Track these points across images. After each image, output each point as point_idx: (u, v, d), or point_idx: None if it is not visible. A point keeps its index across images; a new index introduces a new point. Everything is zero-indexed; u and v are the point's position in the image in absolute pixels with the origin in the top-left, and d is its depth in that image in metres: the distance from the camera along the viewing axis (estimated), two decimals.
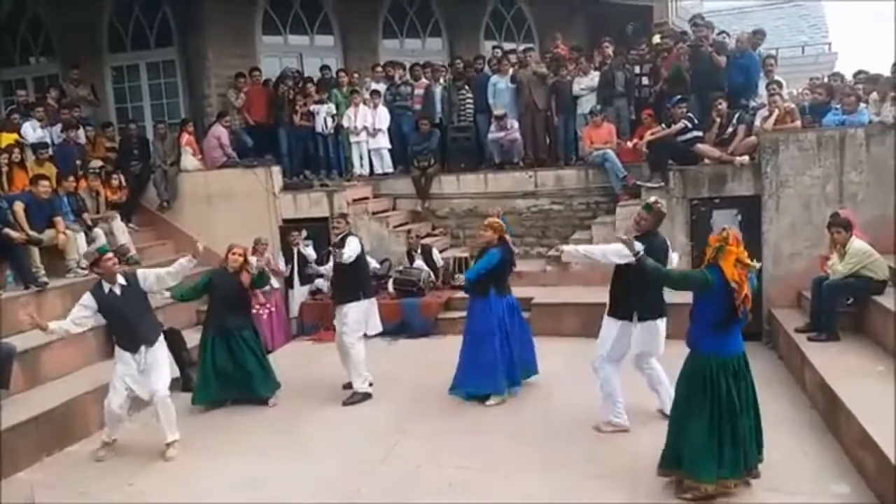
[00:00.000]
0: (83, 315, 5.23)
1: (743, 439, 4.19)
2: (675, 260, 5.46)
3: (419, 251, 9.08)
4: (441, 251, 9.56)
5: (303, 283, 9.02)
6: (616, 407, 5.31)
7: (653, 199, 5.19)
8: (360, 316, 6.40)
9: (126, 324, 5.29)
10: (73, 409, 5.85)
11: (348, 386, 6.49)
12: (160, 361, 5.41)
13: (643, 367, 5.46)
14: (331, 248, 6.56)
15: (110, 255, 5.35)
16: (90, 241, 7.95)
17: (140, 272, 5.56)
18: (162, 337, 5.59)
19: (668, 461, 4.38)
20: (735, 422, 4.16)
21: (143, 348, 5.30)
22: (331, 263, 6.62)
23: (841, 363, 5.85)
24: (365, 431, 5.61)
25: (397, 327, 8.42)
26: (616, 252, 4.86)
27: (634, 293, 5.06)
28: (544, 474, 4.67)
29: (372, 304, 6.59)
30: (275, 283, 8.55)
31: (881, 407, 4.85)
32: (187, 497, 4.66)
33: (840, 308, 6.56)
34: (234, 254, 6.35)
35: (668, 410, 4.84)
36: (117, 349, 5.39)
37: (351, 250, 6.24)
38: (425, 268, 8.86)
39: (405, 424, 5.68)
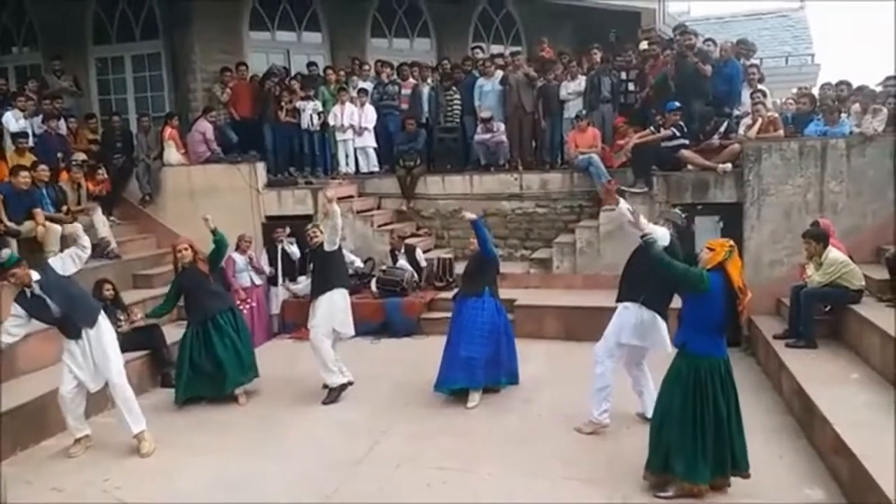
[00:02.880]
0: (15, 325, 5.08)
1: (728, 439, 4.26)
2: None
3: (402, 251, 9.07)
4: (425, 251, 9.56)
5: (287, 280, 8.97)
6: (603, 405, 5.30)
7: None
8: (330, 309, 6.32)
9: (60, 317, 5.16)
10: (49, 402, 5.73)
11: (328, 385, 6.46)
12: (106, 345, 5.26)
13: (634, 366, 5.45)
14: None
15: (15, 267, 5.12)
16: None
17: (53, 261, 5.43)
18: (103, 314, 5.44)
19: (656, 463, 4.39)
20: (720, 422, 4.22)
21: (84, 332, 5.20)
22: (303, 284, 6.68)
23: (817, 370, 5.92)
24: (344, 431, 5.59)
25: (380, 327, 8.41)
26: (661, 234, 4.79)
27: (645, 280, 5.04)
28: (525, 476, 4.68)
29: (345, 299, 6.48)
30: (257, 280, 8.50)
31: (856, 414, 4.93)
32: (164, 494, 4.62)
33: (817, 316, 6.65)
34: (180, 251, 6.31)
35: (649, 415, 4.89)
36: (63, 338, 5.27)
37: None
38: (409, 268, 8.85)
39: (385, 424, 5.66)
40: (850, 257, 6.68)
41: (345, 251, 8.95)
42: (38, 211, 7.68)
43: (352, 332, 6.56)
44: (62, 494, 4.69)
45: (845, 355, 6.27)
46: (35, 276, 5.12)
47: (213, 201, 9.79)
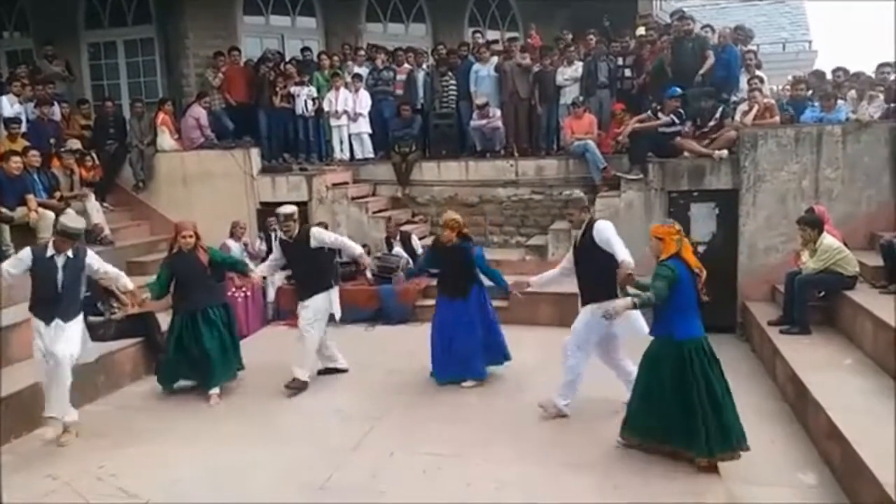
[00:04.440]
0: (12, 265, 5.18)
1: (726, 414, 4.35)
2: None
3: (398, 238, 9.04)
4: (421, 238, 9.53)
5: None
6: (568, 396, 5.36)
7: (574, 193, 5.53)
8: (325, 304, 6.25)
9: (51, 293, 5.17)
10: (41, 391, 5.71)
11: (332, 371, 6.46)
12: (70, 333, 5.23)
13: (610, 357, 5.43)
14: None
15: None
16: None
17: (93, 255, 5.48)
18: (80, 317, 5.40)
19: (636, 431, 4.64)
20: (714, 396, 4.34)
21: (56, 321, 5.18)
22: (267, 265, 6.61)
23: (811, 356, 5.95)
24: (338, 418, 5.58)
25: (375, 314, 8.40)
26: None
27: (599, 281, 5.08)
28: (518, 462, 4.70)
29: (331, 300, 6.34)
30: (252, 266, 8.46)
31: (849, 399, 4.96)
32: (159, 482, 4.61)
33: (812, 302, 6.68)
34: (183, 237, 6.03)
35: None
36: (33, 318, 5.26)
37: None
38: (404, 255, 8.83)
39: (379, 411, 5.66)
40: (845, 244, 6.70)
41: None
42: (30, 197, 7.64)
43: (339, 314, 6.45)
44: (57, 482, 4.68)
45: (839, 341, 6.30)
46: (70, 251, 5.21)
47: (206, 187, 9.78)
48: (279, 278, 8.88)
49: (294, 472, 4.67)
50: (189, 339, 6.08)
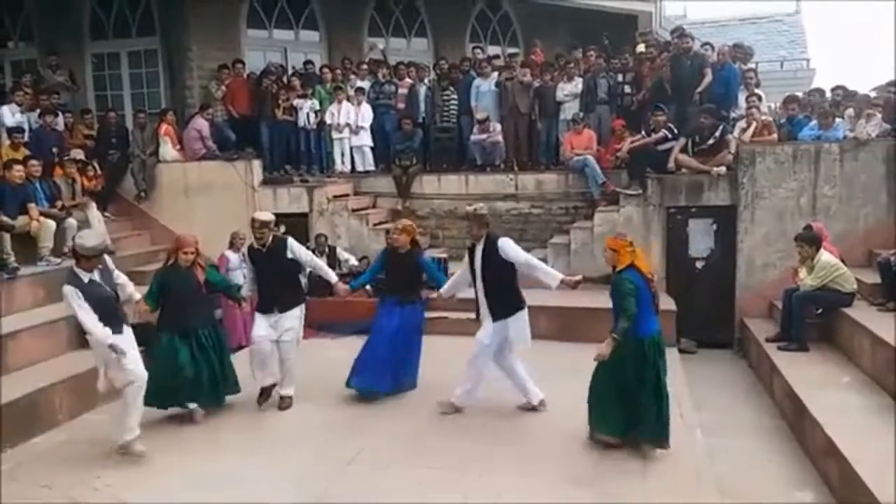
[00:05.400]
0: (87, 313, 4.85)
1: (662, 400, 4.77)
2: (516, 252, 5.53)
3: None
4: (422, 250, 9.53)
5: None
6: (468, 396, 5.66)
7: (478, 208, 5.60)
8: (299, 321, 6.07)
9: (110, 307, 5.07)
10: (39, 399, 5.73)
11: (268, 391, 6.14)
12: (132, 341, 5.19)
13: (506, 359, 5.67)
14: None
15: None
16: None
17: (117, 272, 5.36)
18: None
19: (617, 429, 4.89)
20: (662, 386, 4.77)
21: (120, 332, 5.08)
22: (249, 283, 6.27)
23: (809, 373, 5.96)
24: (334, 430, 5.56)
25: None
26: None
27: (499, 298, 5.47)
28: (515, 475, 4.68)
29: (298, 318, 6.10)
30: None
31: (846, 417, 4.96)
32: (154, 492, 4.60)
33: (809, 319, 6.69)
34: (185, 252, 5.69)
35: (535, 402, 5.65)
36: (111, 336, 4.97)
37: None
38: None
39: (376, 423, 5.66)
40: (843, 261, 6.72)
41: (339, 249, 9.01)
42: (32, 206, 7.66)
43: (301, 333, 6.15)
44: (52, 492, 4.66)
45: (836, 358, 6.30)
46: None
47: (208, 198, 9.82)
48: None
49: (290, 484, 4.66)
50: (176, 361, 5.65)
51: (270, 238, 5.97)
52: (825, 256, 6.53)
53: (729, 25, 19.76)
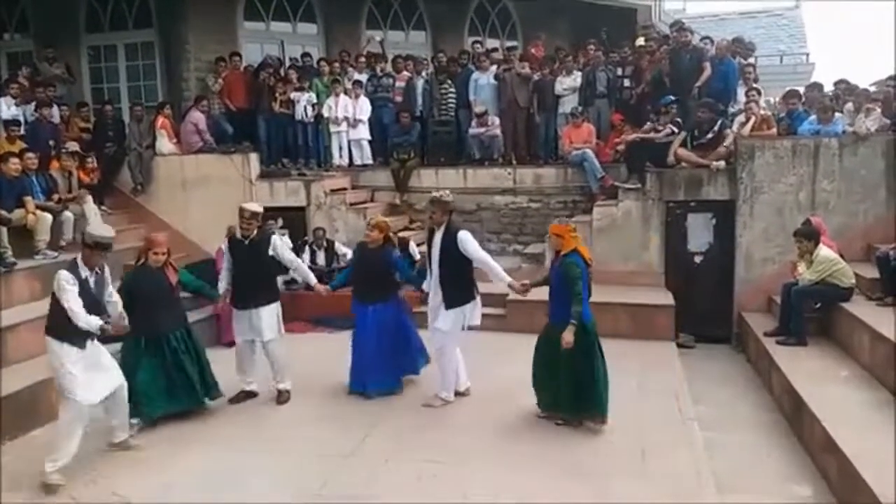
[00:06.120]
0: (77, 302, 4.62)
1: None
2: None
3: (396, 244, 9.02)
4: (418, 245, 9.51)
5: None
6: (452, 385, 5.86)
7: (443, 195, 5.64)
8: (254, 325, 5.94)
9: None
10: (39, 393, 5.71)
11: (244, 395, 6.12)
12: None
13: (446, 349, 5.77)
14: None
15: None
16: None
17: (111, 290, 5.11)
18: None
19: (548, 402, 5.36)
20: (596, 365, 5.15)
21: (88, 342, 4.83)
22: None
23: (807, 367, 5.96)
24: (332, 425, 5.55)
25: None
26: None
27: (456, 286, 5.64)
28: (513, 471, 4.68)
29: (274, 314, 6.04)
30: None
31: (845, 412, 4.96)
32: (151, 486, 4.59)
33: (808, 313, 6.69)
34: (156, 253, 5.45)
35: (462, 388, 5.96)
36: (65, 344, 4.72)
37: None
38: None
39: (374, 418, 5.64)
40: (841, 255, 6.73)
41: (337, 244, 8.99)
42: (28, 199, 7.62)
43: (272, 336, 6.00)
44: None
45: (835, 353, 6.31)
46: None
47: (205, 191, 9.77)
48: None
49: (288, 478, 4.65)
50: (159, 365, 5.51)
51: (255, 231, 5.90)
52: (824, 251, 6.53)
53: (728, 19, 19.71)
